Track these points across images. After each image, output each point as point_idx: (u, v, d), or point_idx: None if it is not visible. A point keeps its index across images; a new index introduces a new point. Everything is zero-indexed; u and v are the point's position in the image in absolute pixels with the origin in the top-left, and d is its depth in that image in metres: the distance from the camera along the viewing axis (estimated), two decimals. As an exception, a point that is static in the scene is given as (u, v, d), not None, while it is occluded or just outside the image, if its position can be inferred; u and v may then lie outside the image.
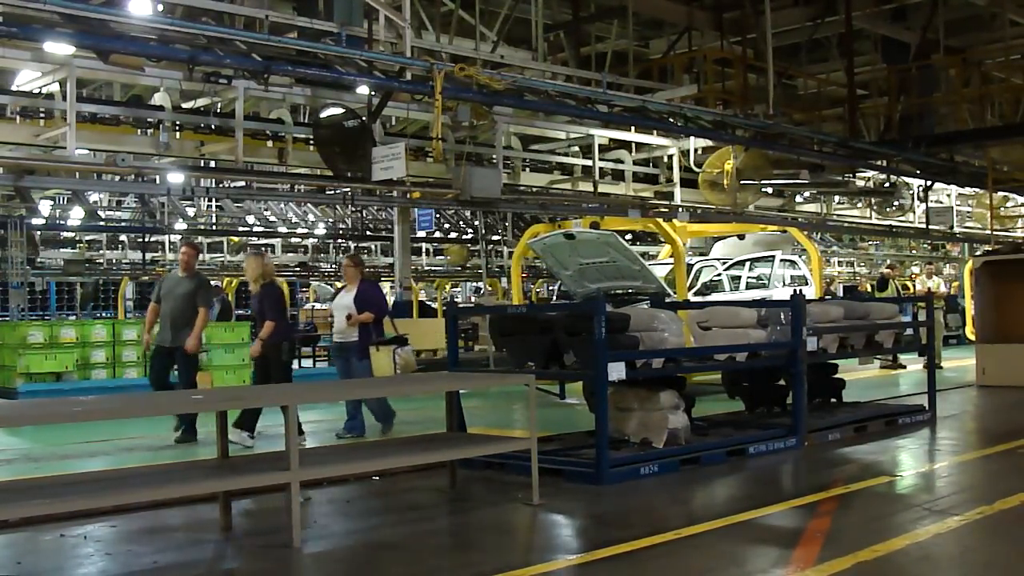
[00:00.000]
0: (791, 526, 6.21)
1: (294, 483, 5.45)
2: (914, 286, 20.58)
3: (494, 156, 15.24)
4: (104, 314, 27.23)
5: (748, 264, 17.45)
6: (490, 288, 25.37)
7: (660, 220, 15.47)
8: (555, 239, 10.50)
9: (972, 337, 21.01)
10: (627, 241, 23.18)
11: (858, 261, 35.87)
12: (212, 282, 20.64)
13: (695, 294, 15.93)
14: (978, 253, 18.54)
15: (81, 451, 9.09)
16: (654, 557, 5.34)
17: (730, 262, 17.56)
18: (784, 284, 17.02)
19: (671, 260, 16.03)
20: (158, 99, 12.62)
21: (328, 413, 12.16)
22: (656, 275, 11.15)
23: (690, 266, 16.75)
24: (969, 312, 21.88)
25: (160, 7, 11.65)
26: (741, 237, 18.59)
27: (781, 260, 17.41)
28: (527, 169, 17.88)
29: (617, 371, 7.43)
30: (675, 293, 13.84)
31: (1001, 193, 24.22)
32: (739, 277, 17.19)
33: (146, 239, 23.94)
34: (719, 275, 17.15)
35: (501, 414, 12.21)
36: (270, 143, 13.98)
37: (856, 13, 18.45)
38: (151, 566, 5.43)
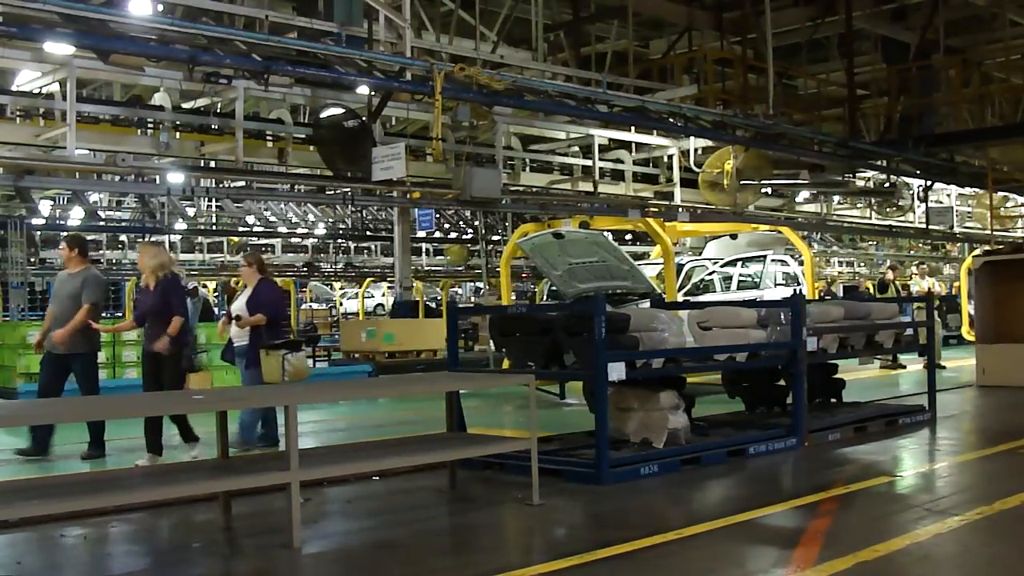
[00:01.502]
0: (791, 526, 6.21)
1: (294, 483, 5.45)
2: (907, 287, 20.57)
3: (494, 156, 15.25)
4: (104, 314, 27.19)
5: (739, 264, 17.41)
6: (490, 288, 25.36)
7: (649, 219, 15.45)
8: (544, 239, 10.47)
9: (969, 337, 21.02)
10: (627, 240, 22.95)
11: (858, 261, 35.88)
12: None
13: (685, 294, 15.88)
14: (976, 253, 18.52)
15: (81, 451, 9.08)
16: (654, 557, 5.34)
17: (721, 262, 17.54)
18: (775, 284, 16.98)
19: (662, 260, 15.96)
20: (158, 99, 12.63)
21: (328, 413, 12.18)
22: (646, 274, 11.14)
23: (680, 266, 16.70)
24: (965, 311, 21.88)
25: (160, 7, 11.67)
26: (734, 237, 18.57)
27: (772, 260, 17.38)
28: (527, 169, 17.89)
29: (617, 371, 7.42)
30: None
31: (1001, 193, 24.24)
32: (731, 277, 17.18)
33: (146, 239, 23.93)
34: (710, 275, 17.12)
35: (501, 414, 12.21)
36: (270, 143, 13.99)
37: (856, 13, 18.47)
38: (151, 566, 5.43)
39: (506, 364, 10.96)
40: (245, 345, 9.15)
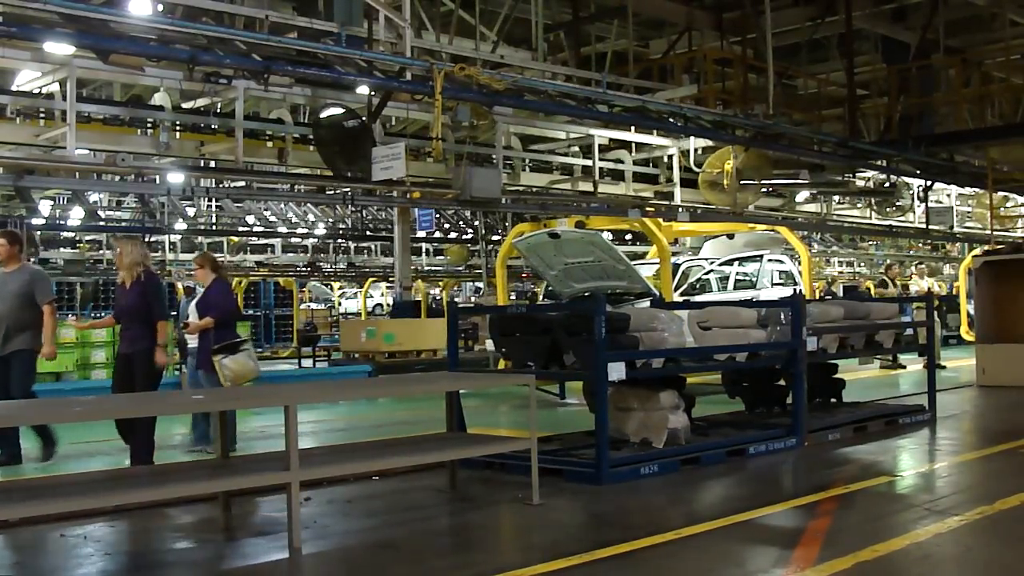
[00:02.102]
0: (791, 526, 6.20)
1: (294, 483, 5.45)
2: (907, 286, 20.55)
3: (494, 156, 15.25)
4: (104, 314, 27.19)
5: (736, 264, 17.41)
6: (490, 288, 25.37)
7: (646, 219, 15.44)
8: (540, 238, 10.47)
9: (967, 337, 21.00)
10: (626, 240, 22.87)
11: (858, 261, 35.87)
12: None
13: (681, 294, 15.89)
14: (976, 252, 18.51)
15: (81, 451, 9.09)
16: (654, 557, 5.34)
17: (717, 262, 17.55)
18: (772, 284, 16.97)
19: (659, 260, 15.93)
20: (158, 99, 12.63)
21: (328, 413, 12.18)
22: (641, 274, 11.14)
23: (677, 266, 16.69)
24: (964, 311, 21.85)
25: (160, 7, 11.67)
26: (731, 237, 18.57)
27: (769, 260, 17.39)
28: (527, 169, 17.90)
29: (617, 371, 7.43)
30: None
31: (1001, 193, 24.24)
32: (727, 277, 17.18)
33: (146, 239, 23.90)
34: (707, 275, 17.13)
35: (501, 414, 12.21)
36: (270, 143, 13.99)
37: (856, 13, 18.46)
38: (151, 566, 5.43)
39: (502, 364, 10.96)
40: (195, 348, 9.06)
